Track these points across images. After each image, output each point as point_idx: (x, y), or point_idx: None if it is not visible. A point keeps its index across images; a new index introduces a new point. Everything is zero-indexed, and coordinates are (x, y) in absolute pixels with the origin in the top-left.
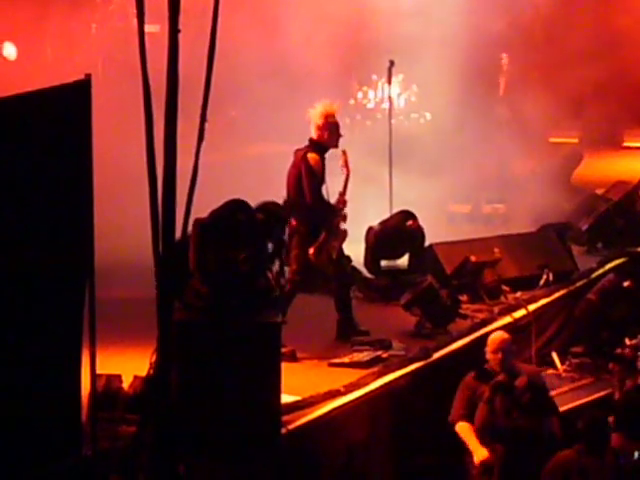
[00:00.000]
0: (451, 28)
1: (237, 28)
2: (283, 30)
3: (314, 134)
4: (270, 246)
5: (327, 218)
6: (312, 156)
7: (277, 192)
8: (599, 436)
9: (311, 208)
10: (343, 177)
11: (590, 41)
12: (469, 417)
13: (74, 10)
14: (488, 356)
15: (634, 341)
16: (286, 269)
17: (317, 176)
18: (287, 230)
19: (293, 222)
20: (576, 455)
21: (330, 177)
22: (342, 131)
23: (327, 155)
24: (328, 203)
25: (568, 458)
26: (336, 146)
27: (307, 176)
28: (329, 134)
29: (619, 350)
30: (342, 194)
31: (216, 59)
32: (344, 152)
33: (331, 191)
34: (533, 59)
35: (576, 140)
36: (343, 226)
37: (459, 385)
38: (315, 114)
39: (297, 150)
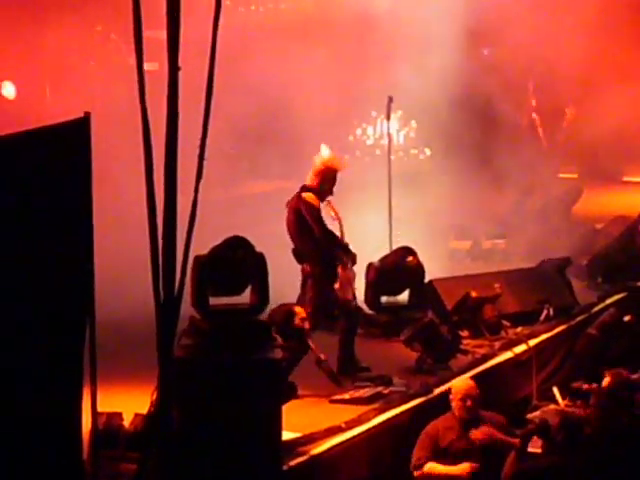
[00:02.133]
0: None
1: (237, 67)
2: (282, 66)
3: (309, 180)
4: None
5: (339, 253)
6: (307, 194)
7: (276, 228)
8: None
9: (321, 246)
10: (338, 226)
11: (590, 76)
12: (434, 460)
13: (72, 47)
14: (454, 404)
15: (635, 376)
16: None
17: (319, 212)
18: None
19: (307, 268)
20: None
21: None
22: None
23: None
24: (335, 236)
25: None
26: (322, 200)
27: (309, 214)
28: (323, 183)
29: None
30: (341, 240)
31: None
32: (329, 202)
33: None
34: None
35: (576, 175)
36: (353, 267)
37: (421, 434)
38: (318, 159)
39: (288, 201)
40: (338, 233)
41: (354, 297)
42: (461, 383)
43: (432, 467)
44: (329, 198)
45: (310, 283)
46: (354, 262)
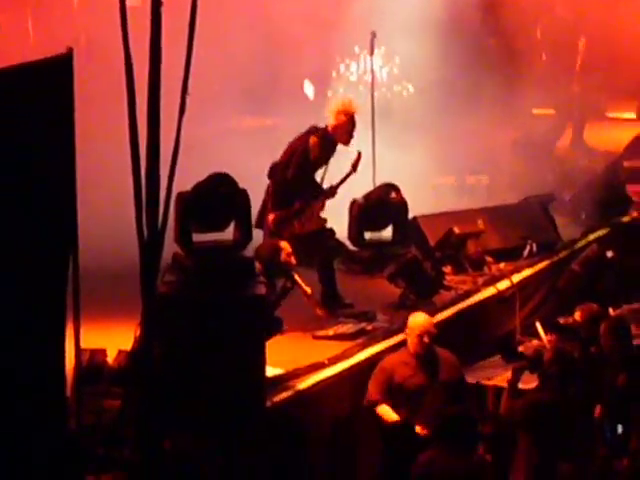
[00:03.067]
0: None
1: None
2: (267, 4)
3: (331, 125)
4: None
5: (305, 197)
6: (313, 139)
7: (259, 165)
8: (462, 435)
9: (288, 180)
10: (345, 173)
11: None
12: (386, 400)
13: None
14: (410, 340)
15: (618, 311)
16: None
17: (308, 157)
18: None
19: (269, 186)
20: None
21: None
22: (326, 104)
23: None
24: (316, 185)
25: (430, 459)
26: (346, 144)
27: (299, 152)
28: (342, 127)
29: (563, 320)
30: (335, 187)
31: (198, 33)
32: (359, 153)
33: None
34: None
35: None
36: (338, 199)
37: (376, 368)
38: (338, 103)
39: (311, 126)
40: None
41: (332, 232)
42: (419, 319)
43: (383, 410)
44: (360, 150)
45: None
46: (321, 208)
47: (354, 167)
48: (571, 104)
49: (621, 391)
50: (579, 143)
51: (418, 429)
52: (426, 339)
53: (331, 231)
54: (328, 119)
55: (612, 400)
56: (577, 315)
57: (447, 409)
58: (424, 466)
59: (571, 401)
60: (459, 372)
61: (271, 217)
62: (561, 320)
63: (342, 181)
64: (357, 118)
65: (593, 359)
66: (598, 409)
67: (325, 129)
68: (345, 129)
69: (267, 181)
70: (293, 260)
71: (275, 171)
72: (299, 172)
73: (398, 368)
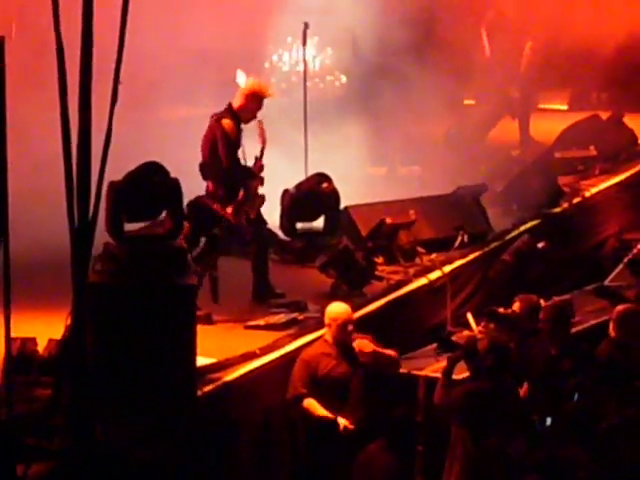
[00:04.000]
0: None
1: None
2: None
3: (235, 102)
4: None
5: (244, 180)
6: (226, 121)
7: (193, 155)
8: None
9: (227, 171)
10: (259, 146)
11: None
12: (312, 394)
13: None
14: (333, 329)
15: (548, 303)
16: None
17: (232, 140)
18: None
19: (210, 186)
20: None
21: (247, 143)
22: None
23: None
24: (244, 166)
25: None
26: (246, 122)
27: (222, 140)
28: (249, 107)
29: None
30: (259, 159)
31: (130, 22)
32: (260, 122)
33: (248, 157)
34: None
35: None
36: (260, 190)
37: (300, 356)
38: (247, 83)
39: (213, 115)
40: (259, 151)
41: (262, 221)
42: (339, 308)
43: (310, 404)
44: (260, 118)
45: (211, 204)
46: (261, 184)
47: (264, 137)
48: (509, 97)
49: (554, 371)
50: (527, 138)
51: (343, 423)
52: (350, 327)
53: (263, 221)
54: (236, 97)
55: (542, 379)
56: (516, 306)
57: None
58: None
59: (505, 390)
60: (377, 357)
61: (229, 210)
62: (500, 310)
63: (262, 153)
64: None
65: (529, 348)
66: (525, 388)
67: (230, 109)
68: (253, 111)
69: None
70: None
71: (208, 170)
72: (231, 158)
73: (321, 359)
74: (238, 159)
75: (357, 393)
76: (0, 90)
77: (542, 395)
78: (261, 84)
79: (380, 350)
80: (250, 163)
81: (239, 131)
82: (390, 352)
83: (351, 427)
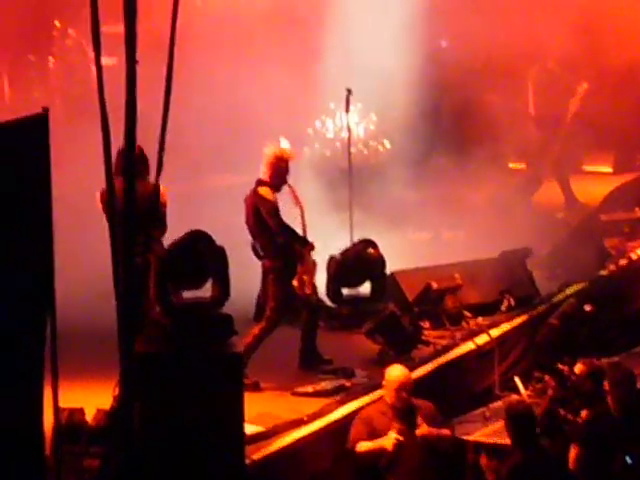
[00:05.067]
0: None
1: (195, 62)
2: (243, 59)
3: (263, 174)
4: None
5: (297, 247)
6: (263, 189)
7: (237, 221)
8: None
9: (280, 241)
10: (299, 212)
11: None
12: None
13: (30, 42)
14: (388, 393)
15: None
16: None
17: (275, 205)
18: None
19: (266, 264)
20: None
21: (285, 215)
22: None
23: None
24: (293, 229)
25: None
26: (279, 189)
27: (265, 208)
28: (277, 174)
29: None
30: (303, 229)
31: (173, 90)
32: (291, 187)
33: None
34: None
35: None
36: (313, 256)
37: (354, 419)
38: (267, 153)
39: (246, 196)
40: (299, 220)
41: (315, 290)
42: (396, 372)
43: (362, 445)
44: (291, 184)
45: (271, 278)
46: (312, 249)
47: (299, 202)
48: (550, 158)
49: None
50: (572, 201)
51: (394, 436)
52: (404, 394)
53: (315, 288)
54: (262, 171)
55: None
56: (578, 368)
57: None
58: None
59: (546, 458)
60: (438, 422)
61: (295, 284)
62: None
63: (303, 220)
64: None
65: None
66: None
67: (261, 180)
68: (282, 176)
69: (245, 238)
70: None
71: (261, 247)
72: (280, 222)
73: (377, 418)
74: (287, 225)
75: (411, 458)
76: (45, 162)
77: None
78: (280, 148)
79: (442, 435)
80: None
81: (275, 199)
82: (446, 431)
83: (401, 438)
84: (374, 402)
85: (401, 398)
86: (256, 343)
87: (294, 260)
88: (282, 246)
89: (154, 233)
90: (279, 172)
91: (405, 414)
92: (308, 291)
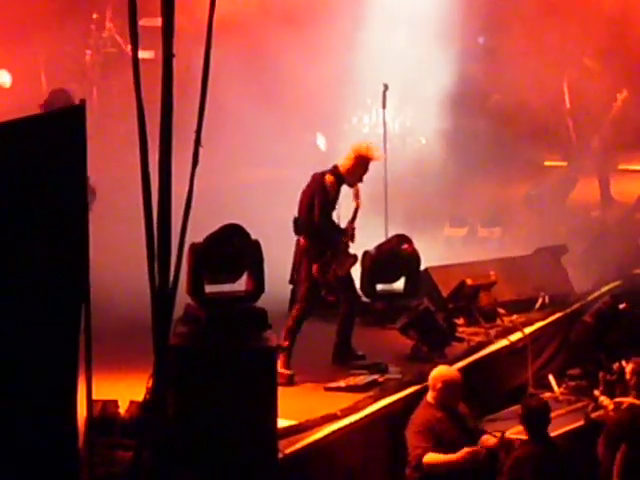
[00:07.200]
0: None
1: (231, 56)
2: (277, 55)
3: (343, 164)
4: None
5: (334, 238)
6: (329, 177)
7: (272, 215)
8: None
9: (318, 226)
10: (353, 207)
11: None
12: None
13: (68, 36)
14: (447, 392)
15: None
16: None
17: (329, 196)
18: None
19: (302, 241)
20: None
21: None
22: (338, 155)
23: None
24: (335, 224)
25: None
26: (351, 185)
27: (319, 194)
28: (355, 170)
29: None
30: (351, 222)
31: (210, 86)
32: (357, 189)
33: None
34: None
35: (564, 163)
36: (352, 250)
37: (412, 424)
38: (355, 146)
39: (315, 173)
40: (352, 213)
41: (353, 285)
42: (454, 373)
43: (432, 457)
44: (359, 185)
45: (305, 261)
46: (351, 241)
47: (358, 199)
48: (589, 157)
49: None
50: (607, 198)
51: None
52: (460, 392)
53: (354, 283)
54: (344, 160)
55: None
56: (629, 368)
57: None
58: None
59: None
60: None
61: (315, 268)
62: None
63: (354, 216)
64: (371, 170)
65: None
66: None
67: (337, 169)
68: (359, 174)
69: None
70: None
71: (301, 225)
72: (324, 213)
73: (435, 422)
74: (331, 217)
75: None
76: (82, 153)
77: None
78: (369, 147)
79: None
80: (343, 225)
81: (338, 191)
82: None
83: (483, 451)
84: (418, 409)
85: (458, 397)
86: (296, 326)
87: (327, 245)
88: (320, 231)
89: None
90: (357, 169)
91: (458, 415)
92: (340, 273)
